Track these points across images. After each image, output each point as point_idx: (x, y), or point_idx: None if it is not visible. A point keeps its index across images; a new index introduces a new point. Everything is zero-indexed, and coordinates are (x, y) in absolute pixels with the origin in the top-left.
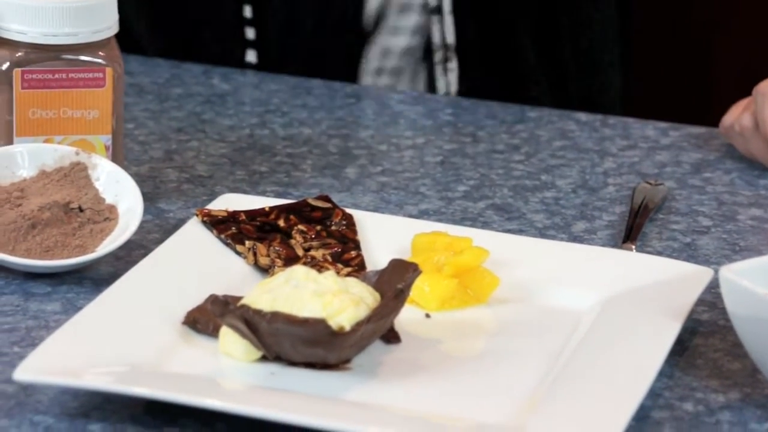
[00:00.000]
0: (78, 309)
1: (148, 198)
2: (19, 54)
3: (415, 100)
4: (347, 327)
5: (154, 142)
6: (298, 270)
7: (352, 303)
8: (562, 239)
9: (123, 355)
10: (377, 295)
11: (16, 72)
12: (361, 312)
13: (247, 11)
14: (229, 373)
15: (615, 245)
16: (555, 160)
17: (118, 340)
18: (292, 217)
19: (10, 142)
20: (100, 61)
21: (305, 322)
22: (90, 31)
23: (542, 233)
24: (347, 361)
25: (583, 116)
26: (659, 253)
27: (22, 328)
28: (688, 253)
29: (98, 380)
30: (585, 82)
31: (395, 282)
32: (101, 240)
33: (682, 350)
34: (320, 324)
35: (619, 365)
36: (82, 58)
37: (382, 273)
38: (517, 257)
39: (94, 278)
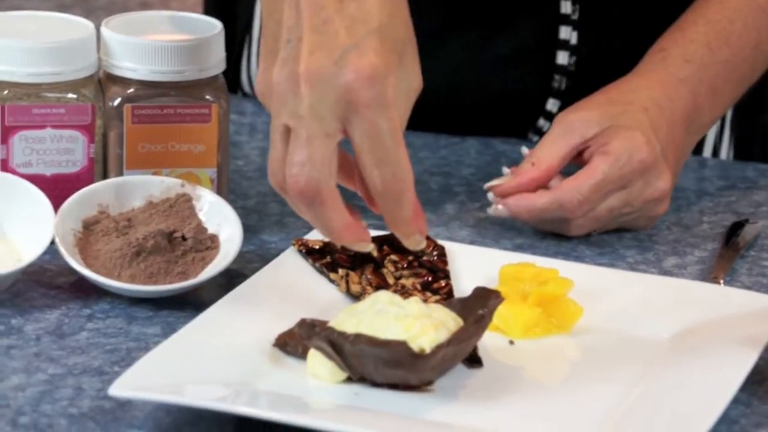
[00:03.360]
0: None
1: (252, 230)
2: (130, 91)
3: (518, 140)
4: (428, 349)
5: (262, 177)
6: (383, 295)
7: (433, 327)
8: (651, 274)
9: (216, 373)
10: (460, 321)
11: (127, 108)
12: (442, 335)
13: None
14: (316, 393)
15: (704, 280)
16: None
17: (212, 360)
18: (385, 247)
19: (120, 174)
20: (207, 97)
21: (387, 343)
22: (197, 69)
23: (633, 268)
24: (429, 383)
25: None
26: (747, 288)
27: (123, 349)
28: None
29: (191, 397)
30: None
31: (478, 308)
32: (203, 267)
33: (762, 380)
34: (401, 346)
35: (694, 391)
36: (190, 94)
37: (466, 300)
38: (602, 289)
39: (194, 303)
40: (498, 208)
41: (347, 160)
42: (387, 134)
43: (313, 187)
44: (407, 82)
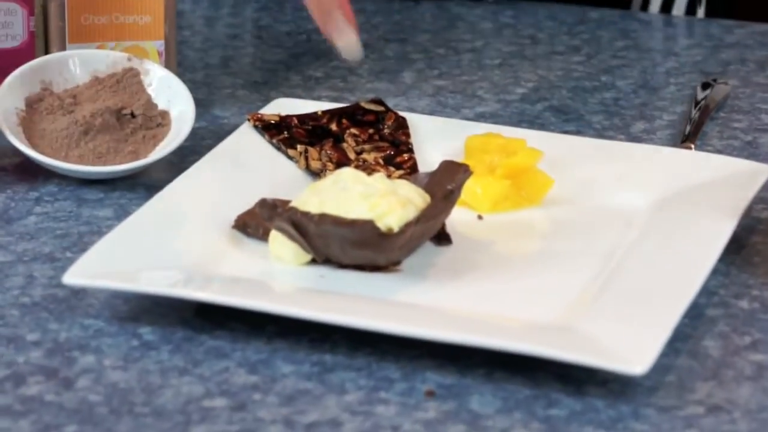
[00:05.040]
0: (130, 215)
1: (203, 104)
2: None
3: (473, 2)
4: (395, 228)
5: (210, 48)
6: (346, 172)
7: (400, 204)
8: (620, 140)
9: (173, 258)
10: (427, 197)
11: None
12: (410, 213)
13: None
14: (278, 276)
15: (674, 145)
16: (616, 61)
17: (168, 244)
18: (344, 120)
19: (62, 48)
20: None
21: (353, 223)
22: None
23: (600, 134)
24: (397, 262)
25: (645, 16)
26: (719, 152)
27: (75, 234)
28: (749, 152)
29: (148, 284)
30: None
31: (446, 183)
32: (154, 146)
33: (738, 248)
34: (368, 225)
35: (672, 263)
36: None
37: (432, 175)
38: (572, 158)
39: (146, 184)
40: None
41: None
42: None
43: None
44: None
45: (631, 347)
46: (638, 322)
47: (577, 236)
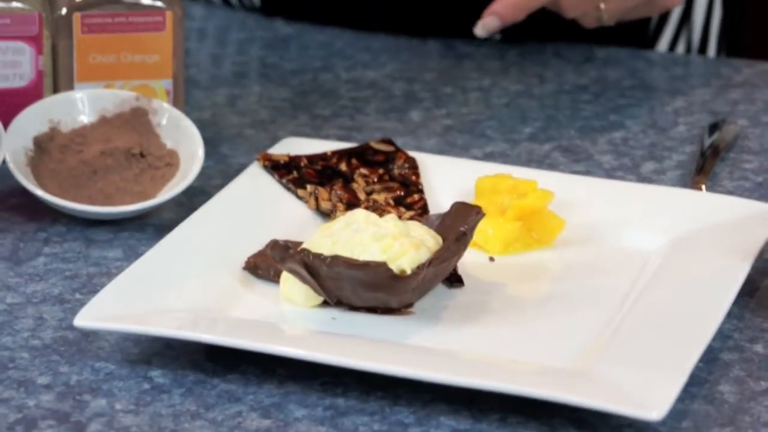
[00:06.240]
0: (139, 255)
1: (210, 143)
2: None
3: (480, 41)
4: (408, 270)
5: (216, 87)
6: (358, 213)
7: (413, 246)
8: (630, 180)
9: (184, 300)
10: (439, 239)
11: (76, 16)
12: (422, 255)
13: None
14: (290, 318)
15: (685, 186)
16: (624, 100)
17: (178, 286)
18: (354, 160)
19: (70, 87)
20: (159, 4)
21: (366, 265)
22: None
23: (610, 174)
24: (409, 305)
25: (652, 54)
26: (730, 193)
27: (84, 275)
28: (761, 193)
29: (159, 326)
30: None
31: (458, 225)
32: (162, 186)
33: (752, 291)
34: (381, 267)
35: (686, 307)
36: (142, 1)
37: (444, 216)
38: (583, 199)
39: (155, 224)
40: (486, 22)
41: None
42: None
43: None
44: None
45: (646, 392)
46: (653, 367)
47: (589, 278)
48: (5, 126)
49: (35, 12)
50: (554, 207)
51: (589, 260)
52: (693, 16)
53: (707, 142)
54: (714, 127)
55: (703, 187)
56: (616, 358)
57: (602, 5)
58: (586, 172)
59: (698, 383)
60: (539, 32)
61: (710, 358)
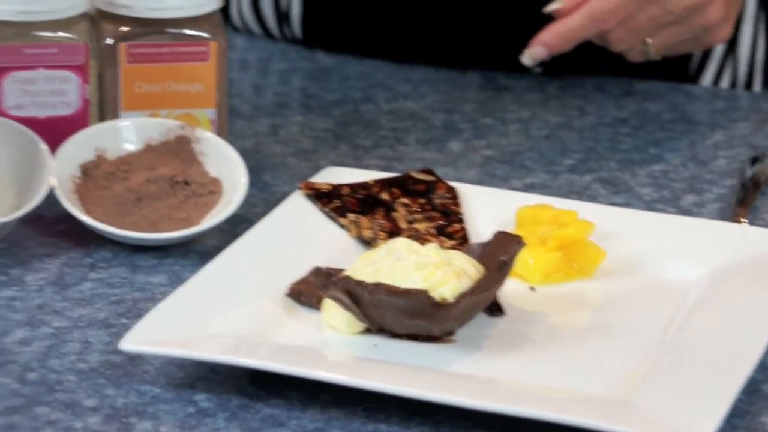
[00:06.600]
0: (183, 281)
1: (253, 172)
2: (125, 29)
3: (520, 74)
4: (450, 298)
5: (259, 116)
6: (400, 242)
7: (455, 275)
8: (670, 212)
9: (228, 326)
10: (480, 268)
11: (122, 46)
12: (464, 284)
13: None
14: (332, 344)
15: (725, 219)
16: (663, 133)
17: (223, 312)
18: (395, 190)
19: (116, 116)
20: (204, 34)
21: (407, 293)
22: (194, 5)
23: (650, 206)
24: (451, 333)
25: (691, 88)
26: None
27: (129, 300)
28: None
29: (203, 351)
30: None
31: (499, 254)
32: (206, 213)
33: None
34: (422, 295)
35: (727, 338)
36: (187, 32)
37: (485, 246)
38: (623, 230)
39: (199, 251)
40: (533, 51)
41: None
42: None
43: None
44: None
45: (687, 423)
46: (695, 397)
47: (629, 309)
48: (53, 153)
49: (81, 42)
50: (594, 238)
51: (630, 291)
52: (738, 50)
53: (748, 174)
54: (755, 161)
55: (744, 220)
56: (657, 388)
57: (649, 40)
58: (626, 204)
59: (740, 414)
60: (580, 65)
61: (752, 390)
